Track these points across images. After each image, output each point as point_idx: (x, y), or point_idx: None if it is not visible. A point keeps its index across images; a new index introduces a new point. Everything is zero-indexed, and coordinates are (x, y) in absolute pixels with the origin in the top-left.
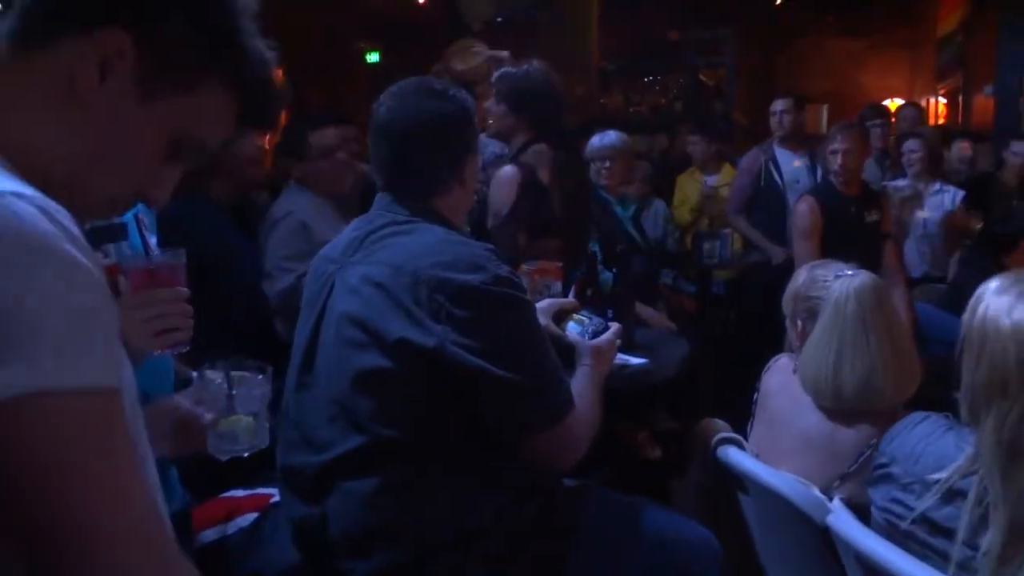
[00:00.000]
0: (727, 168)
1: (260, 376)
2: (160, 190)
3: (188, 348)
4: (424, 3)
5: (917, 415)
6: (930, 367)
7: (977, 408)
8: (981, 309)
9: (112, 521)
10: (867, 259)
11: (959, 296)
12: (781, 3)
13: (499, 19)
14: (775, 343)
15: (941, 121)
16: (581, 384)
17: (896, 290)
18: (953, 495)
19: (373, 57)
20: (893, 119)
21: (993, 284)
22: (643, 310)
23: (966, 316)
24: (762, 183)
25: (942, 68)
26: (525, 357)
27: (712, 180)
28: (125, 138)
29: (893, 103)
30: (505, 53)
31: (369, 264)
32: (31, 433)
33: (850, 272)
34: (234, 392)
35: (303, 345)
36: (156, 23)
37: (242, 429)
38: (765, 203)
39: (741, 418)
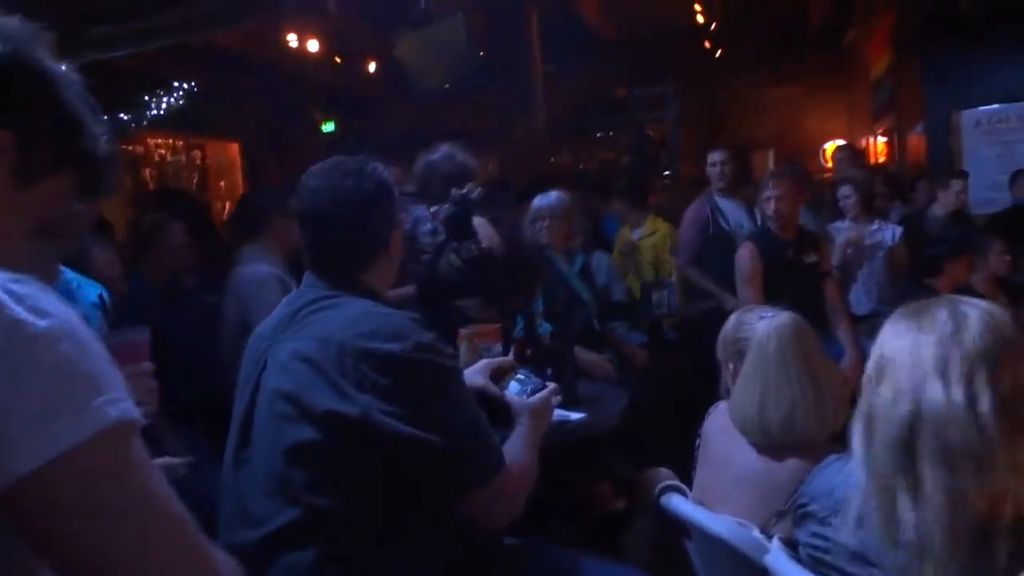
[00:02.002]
0: (651, 219)
1: None
2: (45, 271)
3: (147, 421)
4: (375, 74)
5: (832, 456)
6: None
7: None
8: (876, 346)
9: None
10: (808, 300)
11: None
12: (720, 56)
13: (447, 87)
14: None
15: (882, 159)
16: (516, 443)
17: (840, 328)
18: (864, 519)
19: (329, 127)
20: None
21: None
22: (581, 354)
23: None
24: (710, 231)
25: (877, 109)
26: (450, 420)
27: (637, 233)
28: (7, 224)
29: (833, 144)
30: None
31: (298, 340)
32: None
33: (771, 313)
34: None
35: (239, 421)
36: (31, 122)
37: None
38: (716, 250)
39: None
